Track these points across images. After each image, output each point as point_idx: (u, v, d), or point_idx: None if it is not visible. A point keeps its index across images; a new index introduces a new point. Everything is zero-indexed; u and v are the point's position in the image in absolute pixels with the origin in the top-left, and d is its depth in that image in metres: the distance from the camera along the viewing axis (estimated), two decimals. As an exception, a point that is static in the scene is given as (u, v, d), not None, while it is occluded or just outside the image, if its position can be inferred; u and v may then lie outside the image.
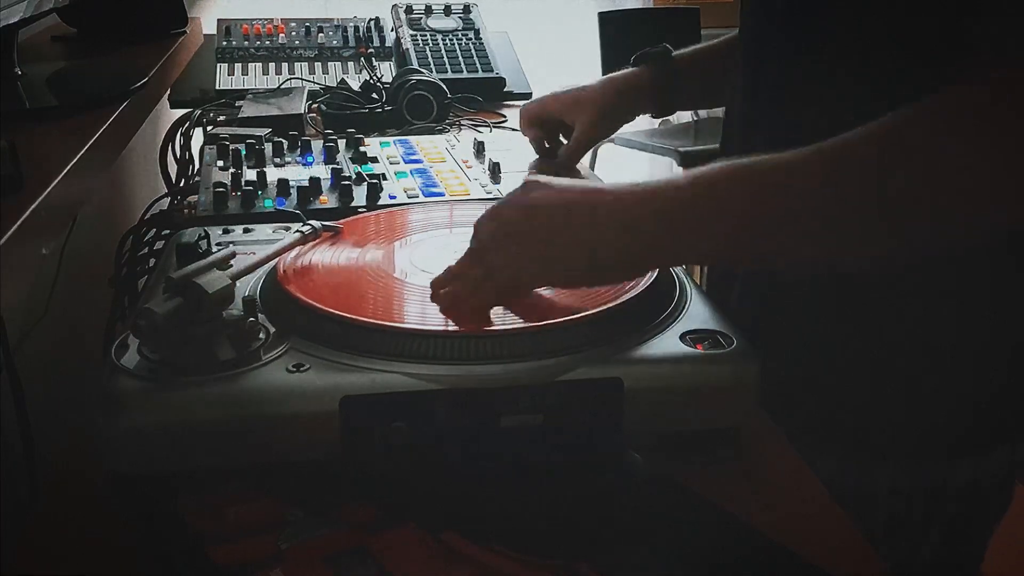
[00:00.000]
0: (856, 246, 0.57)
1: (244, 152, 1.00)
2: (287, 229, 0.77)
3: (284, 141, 1.04)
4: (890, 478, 0.77)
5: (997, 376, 0.75)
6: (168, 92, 1.32)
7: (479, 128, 1.27)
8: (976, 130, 0.54)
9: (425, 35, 1.52)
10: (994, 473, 0.78)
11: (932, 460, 0.77)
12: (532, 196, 0.61)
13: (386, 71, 1.48)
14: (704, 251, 0.61)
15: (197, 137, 1.20)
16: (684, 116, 3.04)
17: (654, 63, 0.96)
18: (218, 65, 1.46)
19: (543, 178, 0.62)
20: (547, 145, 1.01)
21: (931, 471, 0.77)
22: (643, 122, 2.59)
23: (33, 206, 0.63)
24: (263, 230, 0.78)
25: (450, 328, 0.59)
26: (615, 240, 0.59)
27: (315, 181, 0.91)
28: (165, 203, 1.00)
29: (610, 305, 0.62)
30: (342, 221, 0.77)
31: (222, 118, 1.22)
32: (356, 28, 1.56)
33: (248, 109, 1.22)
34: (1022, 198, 0.53)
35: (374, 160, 1.01)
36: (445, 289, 0.63)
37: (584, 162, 1.04)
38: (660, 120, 2.78)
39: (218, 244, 0.74)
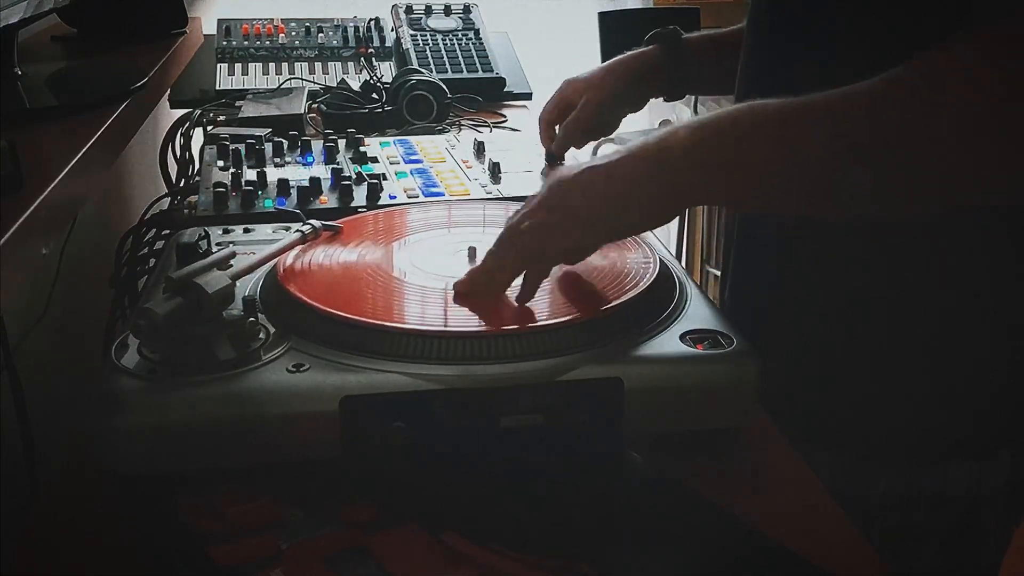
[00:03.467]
0: (835, 199, 0.60)
1: (244, 152, 1.00)
2: (287, 229, 0.77)
3: (284, 141, 1.04)
4: (886, 484, 0.76)
5: (997, 378, 0.75)
6: (168, 92, 1.32)
7: (479, 128, 1.27)
8: (971, 85, 0.54)
9: (425, 35, 1.52)
10: (996, 480, 0.78)
11: (929, 464, 0.76)
12: (551, 180, 0.64)
13: (386, 71, 1.48)
14: (708, 193, 0.64)
15: (197, 137, 1.20)
16: (684, 114, 3.04)
17: (664, 43, 0.96)
18: (218, 65, 1.46)
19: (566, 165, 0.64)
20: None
21: (928, 477, 0.77)
22: (643, 122, 2.59)
23: (33, 206, 0.63)
24: (263, 230, 0.78)
25: (450, 328, 0.59)
26: (633, 185, 0.61)
27: (315, 181, 0.91)
28: (165, 203, 1.00)
29: (610, 305, 0.62)
30: (342, 221, 0.77)
31: (222, 118, 1.22)
32: (356, 28, 1.55)
33: (248, 109, 1.22)
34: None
35: (374, 160, 1.01)
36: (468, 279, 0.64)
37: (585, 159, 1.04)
38: (660, 120, 2.78)
39: (218, 244, 0.74)
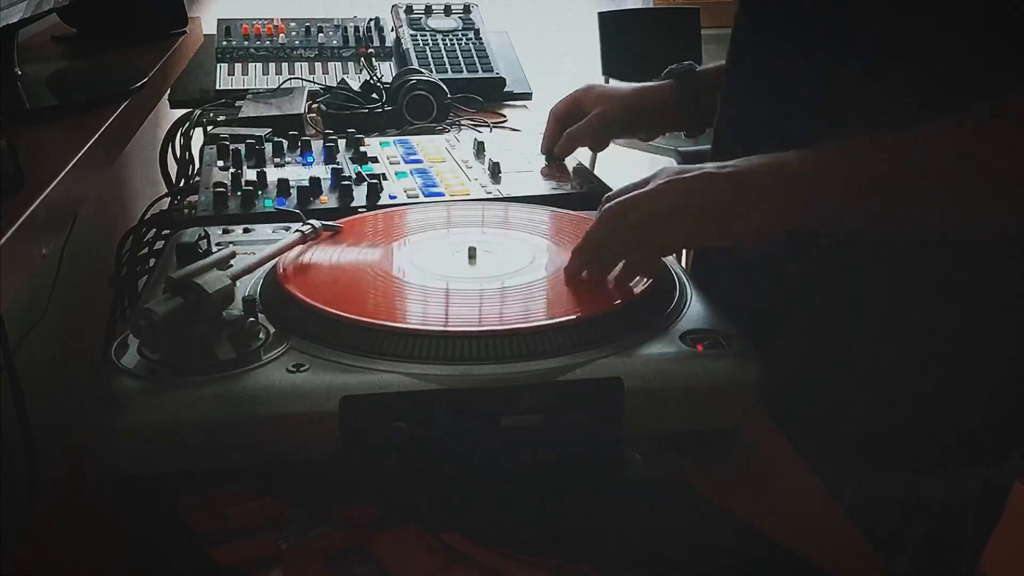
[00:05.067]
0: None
1: (244, 152, 1.00)
2: (287, 229, 0.77)
3: (284, 141, 1.04)
4: (857, 486, 0.76)
5: (984, 391, 0.75)
6: (168, 92, 1.32)
7: (479, 128, 1.27)
8: None
9: (425, 35, 1.52)
10: (971, 489, 0.78)
11: (905, 473, 0.76)
12: (665, 175, 0.66)
13: (386, 71, 1.48)
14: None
15: (197, 137, 1.20)
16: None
17: (678, 80, 0.96)
18: (218, 65, 1.46)
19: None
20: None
21: (902, 485, 0.77)
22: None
23: (33, 206, 0.63)
24: (263, 230, 0.78)
25: (450, 328, 0.59)
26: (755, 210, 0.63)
27: (315, 181, 0.91)
28: (165, 203, 1.00)
29: (610, 305, 0.62)
30: (342, 221, 0.77)
31: (222, 118, 1.22)
32: (356, 28, 1.56)
33: (248, 109, 1.22)
34: None
35: (374, 160, 1.01)
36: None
37: (585, 161, 1.04)
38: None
39: (218, 244, 0.74)
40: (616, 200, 0.66)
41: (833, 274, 0.75)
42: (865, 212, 0.63)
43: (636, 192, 0.66)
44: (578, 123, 0.99)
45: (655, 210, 0.64)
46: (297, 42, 1.52)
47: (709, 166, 0.65)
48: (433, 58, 1.47)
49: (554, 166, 1.01)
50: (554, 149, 1.01)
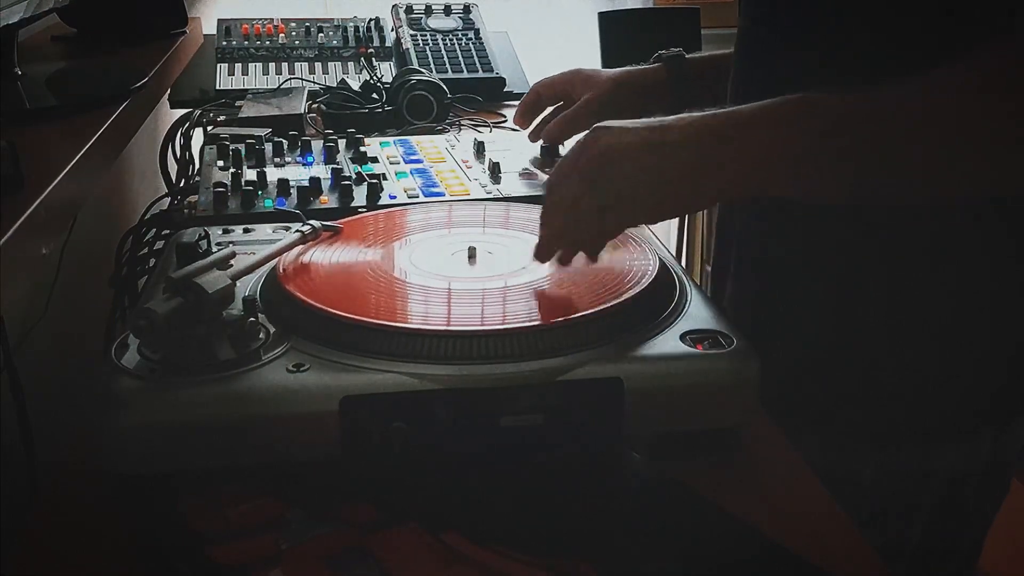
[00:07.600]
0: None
1: (244, 152, 1.00)
2: (287, 229, 0.77)
3: (284, 141, 1.04)
4: (875, 462, 0.77)
5: (984, 362, 0.75)
6: (168, 92, 1.32)
7: (479, 128, 1.27)
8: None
9: (425, 35, 1.52)
10: (978, 460, 0.79)
11: (917, 444, 0.77)
12: (594, 150, 0.63)
13: (386, 71, 1.48)
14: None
15: (197, 137, 1.20)
16: (684, 116, 3.04)
17: (667, 64, 0.98)
18: (218, 65, 1.46)
19: (609, 123, 0.64)
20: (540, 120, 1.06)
21: (916, 455, 0.77)
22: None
23: (33, 206, 0.63)
24: (263, 230, 0.78)
25: (450, 328, 0.59)
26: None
27: (315, 181, 0.91)
28: (165, 203, 1.00)
29: (610, 305, 0.62)
30: (342, 221, 0.77)
31: (222, 118, 1.22)
32: (356, 28, 1.55)
33: (248, 109, 1.22)
34: None
35: (374, 160, 1.01)
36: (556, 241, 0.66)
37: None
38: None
39: (218, 244, 0.74)
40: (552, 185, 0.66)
41: (828, 263, 0.76)
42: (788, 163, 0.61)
43: (566, 172, 0.65)
44: (569, 108, 1.01)
45: (590, 204, 0.64)
46: (297, 42, 1.52)
47: (632, 130, 0.62)
48: (433, 58, 1.46)
49: (550, 159, 1.01)
50: (544, 136, 1.03)
